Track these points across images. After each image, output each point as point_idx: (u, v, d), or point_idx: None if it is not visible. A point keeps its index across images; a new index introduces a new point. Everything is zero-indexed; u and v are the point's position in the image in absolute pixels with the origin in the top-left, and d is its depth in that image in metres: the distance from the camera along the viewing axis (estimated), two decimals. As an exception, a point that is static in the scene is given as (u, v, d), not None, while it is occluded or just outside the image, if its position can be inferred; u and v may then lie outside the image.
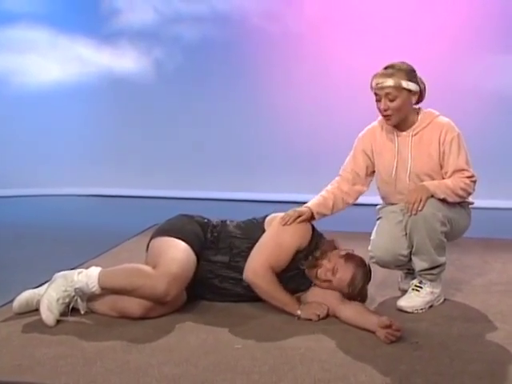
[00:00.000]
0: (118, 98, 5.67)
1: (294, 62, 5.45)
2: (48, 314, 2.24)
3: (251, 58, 5.53)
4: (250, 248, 2.46)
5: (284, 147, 5.49)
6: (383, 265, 2.62)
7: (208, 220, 2.61)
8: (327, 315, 2.36)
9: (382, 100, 2.48)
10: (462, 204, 2.57)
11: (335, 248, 2.46)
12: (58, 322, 2.29)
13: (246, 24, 5.49)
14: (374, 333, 2.19)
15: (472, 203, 2.63)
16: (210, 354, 2.04)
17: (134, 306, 2.32)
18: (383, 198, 2.72)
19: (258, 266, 2.36)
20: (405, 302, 2.50)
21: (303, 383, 1.83)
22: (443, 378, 1.88)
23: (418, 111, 2.59)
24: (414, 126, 2.56)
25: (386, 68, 2.51)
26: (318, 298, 2.41)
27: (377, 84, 2.49)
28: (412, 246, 2.48)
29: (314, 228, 2.52)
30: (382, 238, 2.55)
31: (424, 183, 2.48)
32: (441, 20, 5.21)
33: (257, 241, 2.46)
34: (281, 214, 2.51)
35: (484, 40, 5.13)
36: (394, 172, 2.58)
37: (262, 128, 5.54)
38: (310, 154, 5.39)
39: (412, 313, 2.47)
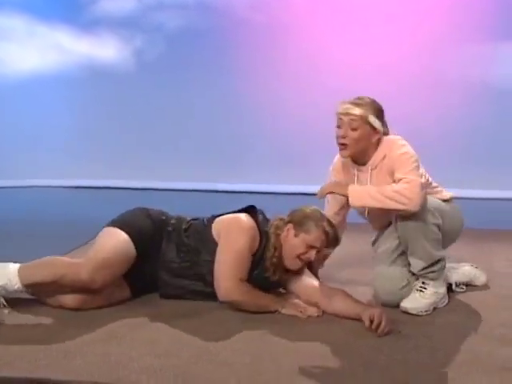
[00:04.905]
0: (98, 87, 5.60)
1: (279, 53, 5.43)
2: None
3: (235, 48, 5.49)
4: (206, 259, 2.40)
5: (269, 137, 5.48)
6: (392, 304, 2.52)
7: (166, 217, 2.53)
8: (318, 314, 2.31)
9: (343, 127, 2.41)
10: (445, 202, 2.53)
11: (278, 234, 2.39)
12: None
13: (230, 13, 5.45)
14: (359, 320, 2.18)
15: (450, 199, 2.57)
16: (191, 345, 2.02)
17: (67, 297, 2.30)
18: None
19: (227, 283, 2.31)
20: (409, 304, 2.42)
21: (285, 374, 1.82)
22: (425, 368, 1.88)
23: (378, 142, 2.46)
24: (371, 161, 2.47)
25: (356, 98, 2.44)
26: (303, 295, 2.38)
27: (343, 109, 2.41)
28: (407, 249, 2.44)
29: (258, 223, 2.42)
30: (384, 284, 2.50)
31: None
32: (424, 10, 5.22)
33: (206, 251, 2.41)
34: (225, 217, 2.44)
35: (467, 30, 5.15)
36: None
37: (246, 118, 5.52)
38: (295, 144, 5.39)
39: (416, 315, 2.39)
